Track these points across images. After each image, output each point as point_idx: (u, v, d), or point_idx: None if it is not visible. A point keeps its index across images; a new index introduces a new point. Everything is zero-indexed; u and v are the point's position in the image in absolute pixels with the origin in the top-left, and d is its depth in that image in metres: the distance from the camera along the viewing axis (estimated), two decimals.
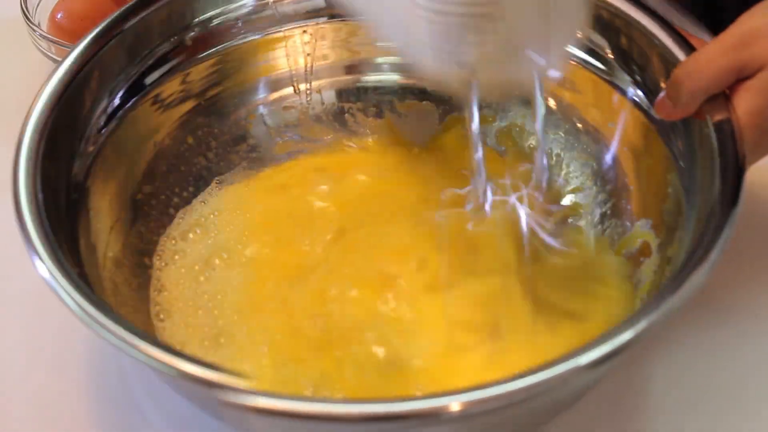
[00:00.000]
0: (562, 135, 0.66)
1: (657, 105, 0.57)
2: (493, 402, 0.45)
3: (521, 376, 0.45)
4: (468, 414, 0.45)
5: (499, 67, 0.53)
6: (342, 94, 0.70)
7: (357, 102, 0.70)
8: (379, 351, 0.57)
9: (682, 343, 0.60)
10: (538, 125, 0.57)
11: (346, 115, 0.70)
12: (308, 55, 0.69)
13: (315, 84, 0.70)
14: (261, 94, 0.69)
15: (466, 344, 0.57)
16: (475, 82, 0.54)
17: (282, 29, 0.68)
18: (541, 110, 0.56)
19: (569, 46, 0.59)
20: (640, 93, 0.61)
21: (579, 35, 0.62)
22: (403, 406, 0.46)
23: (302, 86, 0.69)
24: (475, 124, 0.56)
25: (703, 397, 0.58)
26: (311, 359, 0.57)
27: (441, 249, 0.61)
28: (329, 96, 0.70)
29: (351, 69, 0.70)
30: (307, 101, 0.69)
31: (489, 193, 0.59)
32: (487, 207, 0.59)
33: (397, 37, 0.56)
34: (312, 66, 0.69)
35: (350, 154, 0.69)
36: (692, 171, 0.56)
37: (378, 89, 0.70)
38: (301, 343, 0.58)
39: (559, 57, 0.55)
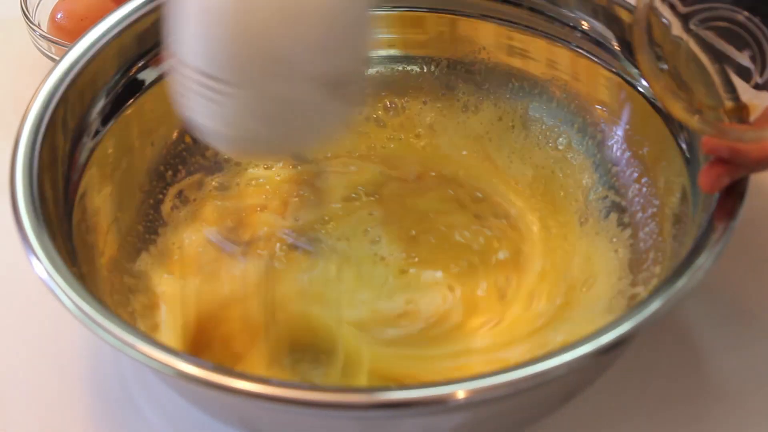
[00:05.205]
0: (573, 127, 0.66)
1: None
2: (499, 389, 0.45)
3: (525, 365, 0.46)
4: (472, 402, 0.46)
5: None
6: None
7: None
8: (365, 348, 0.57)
9: (685, 338, 0.60)
10: None
11: None
12: None
13: None
14: None
15: None
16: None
17: None
18: None
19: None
20: (645, 84, 0.61)
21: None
22: (408, 394, 0.46)
23: None
24: None
25: (702, 394, 0.58)
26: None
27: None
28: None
29: None
30: None
31: None
32: None
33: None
34: None
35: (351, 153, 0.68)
36: (697, 162, 0.55)
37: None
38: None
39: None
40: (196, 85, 0.47)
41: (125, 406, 0.58)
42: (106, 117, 0.61)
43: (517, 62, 0.67)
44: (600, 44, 0.63)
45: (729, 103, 0.52)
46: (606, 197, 0.63)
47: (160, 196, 0.64)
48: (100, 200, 0.59)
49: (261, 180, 0.66)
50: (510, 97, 0.67)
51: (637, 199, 0.61)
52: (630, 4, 0.61)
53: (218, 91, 0.46)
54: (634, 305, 0.48)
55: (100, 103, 0.61)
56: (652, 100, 0.60)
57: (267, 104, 0.47)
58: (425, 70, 0.69)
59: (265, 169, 0.67)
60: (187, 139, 0.66)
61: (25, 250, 0.51)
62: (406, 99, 0.69)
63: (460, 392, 0.45)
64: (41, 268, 0.50)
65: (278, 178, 0.66)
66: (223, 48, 0.45)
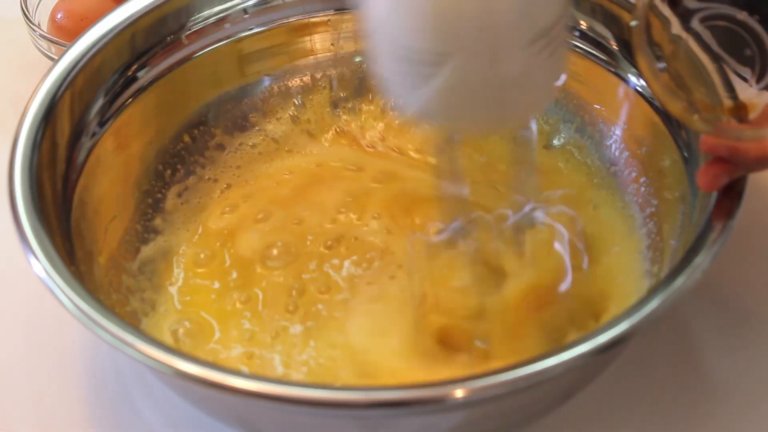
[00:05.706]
0: (571, 127, 0.66)
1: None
2: (496, 388, 0.45)
3: (522, 364, 0.45)
4: (470, 401, 0.46)
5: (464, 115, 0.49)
6: (346, 87, 0.70)
7: (358, 97, 0.70)
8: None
9: (684, 337, 0.60)
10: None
11: (347, 110, 0.70)
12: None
13: (320, 75, 0.69)
14: (260, 91, 0.69)
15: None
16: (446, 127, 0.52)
17: (280, 23, 0.68)
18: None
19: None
20: (644, 83, 0.61)
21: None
22: (406, 393, 0.46)
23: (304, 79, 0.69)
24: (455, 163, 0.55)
25: (701, 393, 0.58)
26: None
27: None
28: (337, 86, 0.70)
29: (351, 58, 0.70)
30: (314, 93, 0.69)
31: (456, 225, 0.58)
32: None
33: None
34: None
35: (348, 152, 0.68)
36: (695, 161, 0.55)
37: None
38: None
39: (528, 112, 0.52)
40: (404, 63, 0.46)
41: (123, 405, 0.58)
42: (105, 116, 0.61)
43: None
44: (598, 43, 0.63)
45: (728, 102, 0.52)
46: (609, 193, 0.63)
47: (159, 196, 0.64)
48: (98, 199, 0.59)
49: None
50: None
51: (635, 198, 0.62)
52: (629, 3, 0.61)
53: (427, 63, 0.45)
54: (632, 304, 0.48)
55: (99, 103, 0.61)
56: (651, 100, 0.60)
57: (479, 72, 0.46)
58: None
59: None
60: (186, 139, 0.66)
61: (23, 250, 0.51)
62: None
63: (458, 391, 0.45)
64: (40, 267, 0.50)
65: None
66: (432, 19, 0.44)
